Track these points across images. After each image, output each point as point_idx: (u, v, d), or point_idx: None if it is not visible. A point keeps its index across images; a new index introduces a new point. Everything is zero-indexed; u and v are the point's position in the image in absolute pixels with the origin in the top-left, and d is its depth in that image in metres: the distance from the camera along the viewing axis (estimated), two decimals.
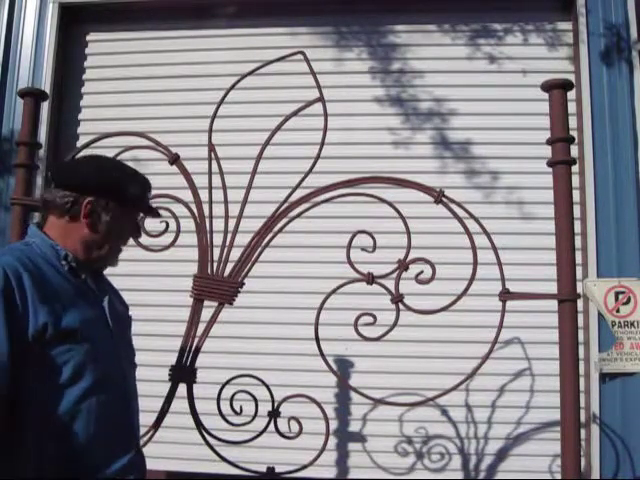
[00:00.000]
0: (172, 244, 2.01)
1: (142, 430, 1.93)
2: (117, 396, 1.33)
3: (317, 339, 1.95)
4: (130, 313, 1.62)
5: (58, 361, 1.21)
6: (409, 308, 1.90)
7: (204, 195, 2.00)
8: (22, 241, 1.40)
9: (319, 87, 2.00)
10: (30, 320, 1.18)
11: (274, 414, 1.96)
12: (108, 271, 1.55)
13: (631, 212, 3.16)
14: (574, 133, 2.19)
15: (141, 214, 1.56)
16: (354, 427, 3.25)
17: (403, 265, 1.91)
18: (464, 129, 3.45)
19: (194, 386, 1.97)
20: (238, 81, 2.04)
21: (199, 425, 1.95)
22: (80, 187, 1.35)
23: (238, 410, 1.95)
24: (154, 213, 1.54)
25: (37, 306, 1.19)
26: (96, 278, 1.45)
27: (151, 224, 1.99)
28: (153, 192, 2.02)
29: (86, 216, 1.35)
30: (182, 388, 1.95)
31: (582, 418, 2.89)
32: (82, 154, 1.75)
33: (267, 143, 2.00)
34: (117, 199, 1.38)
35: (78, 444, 1.22)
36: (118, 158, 2.02)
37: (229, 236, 1.98)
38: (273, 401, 1.99)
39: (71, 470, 1.21)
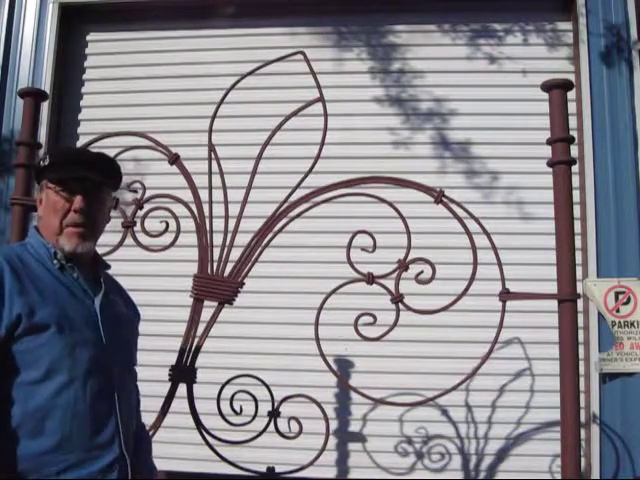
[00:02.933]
0: (172, 244, 2.01)
1: None
2: (100, 395, 1.30)
3: (317, 339, 1.95)
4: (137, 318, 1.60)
5: (32, 356, 1.22)
6: (409, 308, 1.90)
7: (204, 195, 2.00)
8: (20, 242, 1.44)
9: (319, 87, 2.01)
10: (5, 312, 1.21)
11: (274, 414, 1.96)
12: (109, 271, 1.54)
13: (631, 212, 3.16)
14: (574, 133, 2.19)
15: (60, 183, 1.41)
16: (354, 427, 3.25)
17: (403, 265, 1.91)
18: (464, 129, 3.45)
19: (194, 386, 1.97)
20: (238, 81, 2.04)
21: (199, 425, 1.95)
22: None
23: (238, 410, 1.95)
24: (66, 175, 1.38)
25: (14, 298, 1.22)
26: (95, 279, 1.44)
27: (151, 224, 2.00)
28: (153, 192, 2.05)
29: (40, 202, 1.42)
30: (182, 388, 1.95)
31: (582, 418, 2.88)
32: None
33: (267, 143, 2.00)
34: (41, 177, 1.41)
35: (53, 441, 1.21)
36: (118, 158, 2.03)
37: (229, 236, 1.98)
38: (273, 401, 1.99)
39: (46, 469, 1.19)
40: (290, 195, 1.99)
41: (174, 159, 2.04)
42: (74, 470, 1.23)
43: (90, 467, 1.25)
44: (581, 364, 2.63)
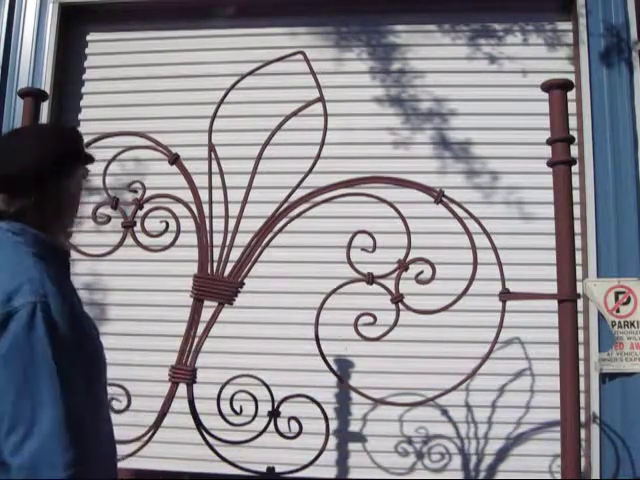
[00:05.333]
0: (172, 244, 2.01)
1: (142, 430, 1.95)
2: (105, 393, 1.30)
3: (317, 339, 1.95)
4: None
5: (83, 365, 1.12)
6: (409, 308, 1.90)
7: (204, 195, 2.00)
8: (11, 238, 1.15)
9: (319, 87, 2.01)
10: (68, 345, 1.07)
11: (274, 414, 1.96)
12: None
13: (631, 212, 3.16)
14: (574, 133, 2.19)
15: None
16: (354, 427, 3.25)
17: (403, 265, 1.91)
18: (464, 129, 3.45)
19: (194, 386, 1.97)
20: (238, 81, 2.04)
21: (199, 425, 1.95)
22: (15, 186, 1.19)
23: (238, 410, 1.95)
24: (88, 159, 1.34)
25: (65, 328, 1.07)
26: None
27: (151, 224, 2.00)
28: (153, 192, 2.05)
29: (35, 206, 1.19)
30: (182, 388, 1.96)
31: (582, 418, 2.89)
32: None
33: (267, 143, 2.00)
34: (54, 174, 1.22)
35: (92, 449, 1.15)
36: (118, 158, 2.03)
37: (229, 236, 1.98)
38: (273, 401, 1.99)
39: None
40: (290, 195, 1.99)
41: (174, 159, 2.04)
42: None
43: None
44: (581, 364, 2.64)
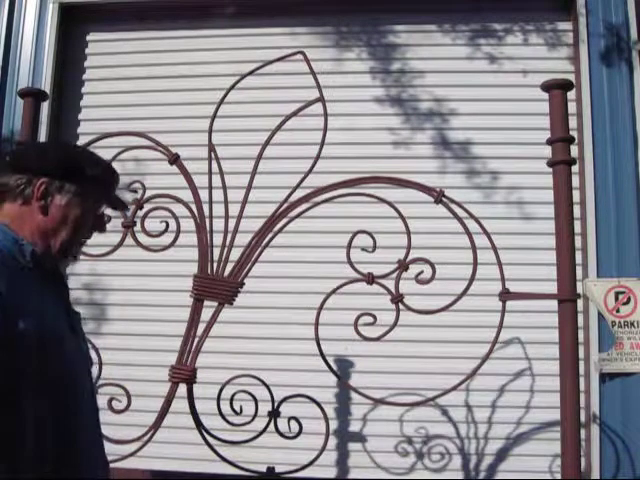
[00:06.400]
0: (172, 244, 2.02)
1: (142, 430, 1.95)
2: (90, 395, 1.27)
3: (317, 339, 1.95)
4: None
5: (35, 371, 1.09)
6: (409, 308, 1.90)
7: (204, 195, 2.00)
8: None
9: (319, 87, 2.01)
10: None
11: (274, 414, 1.96)
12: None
13: (631, 212, 3.16)
14: (574, 133, 2.19)
15: (104, 205, 1.33)
16: (354, 427, 3.25)
17: (403, 265, 1.91)
18: (464, 129, 3.45)
19: (194, 386, 1.97)
20: (238, 81, 2.04)
21: (199, 425, 1.95)
22: (33, 167, 1.20)
23: (238, 410, 1.96)
24: (119, 204, 1.36)
25: (14, 317, 1.05)
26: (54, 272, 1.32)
27: (151, 224, 2.00)
28: (153, 192, 2.05)
29: (39, 198, 1.19)
30: (182, 388, 1.96)
31: (582, 418, 2.88)
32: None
33: (267, 143, 2.00)
34: (73, 180, 1.22)
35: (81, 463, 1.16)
36: (118, 158, 2.03)
37: (229, 236, 1.98)
38: (273, 401, 1.99)
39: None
40: (290, 195, 1.99)
41: (174, 159, 2.04)
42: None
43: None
44: (581, 364, 2.64)
